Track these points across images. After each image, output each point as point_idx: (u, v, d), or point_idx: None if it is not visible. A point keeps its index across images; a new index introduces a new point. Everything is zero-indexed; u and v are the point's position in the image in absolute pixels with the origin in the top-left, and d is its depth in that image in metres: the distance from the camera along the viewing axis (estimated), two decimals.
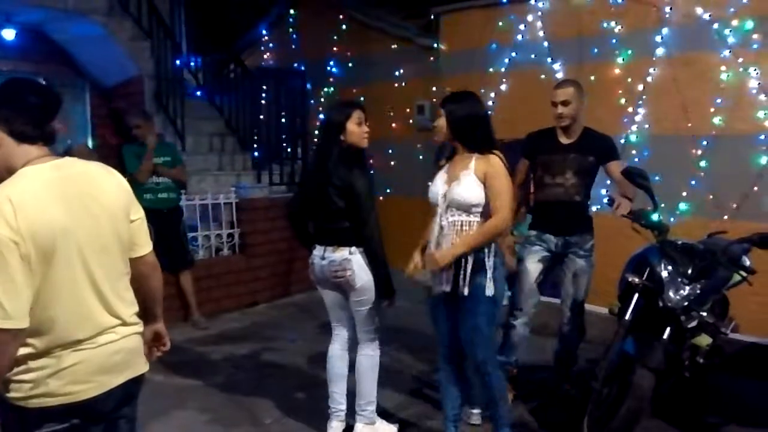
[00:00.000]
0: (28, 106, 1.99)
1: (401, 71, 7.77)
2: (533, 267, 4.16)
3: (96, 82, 7.66)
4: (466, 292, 3.26)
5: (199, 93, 8.07)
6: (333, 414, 3.87)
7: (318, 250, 3.71)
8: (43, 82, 2.18)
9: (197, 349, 5.45)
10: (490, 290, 3.25)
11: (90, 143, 7.57)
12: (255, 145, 7.67)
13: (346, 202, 3.55)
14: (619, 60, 5.85)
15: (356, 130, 3.61)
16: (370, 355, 3.78)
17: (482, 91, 6.41)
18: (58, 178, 1.97)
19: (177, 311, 6.09)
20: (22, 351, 1.89)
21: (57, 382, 1.92)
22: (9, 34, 7.12)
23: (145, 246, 2.26)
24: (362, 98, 7.27)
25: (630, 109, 5.79)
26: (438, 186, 3.43)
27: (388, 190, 7.64)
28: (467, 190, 3.27)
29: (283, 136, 7.89)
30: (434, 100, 7.40)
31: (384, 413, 4.04)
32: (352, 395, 3.86)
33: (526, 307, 4.15)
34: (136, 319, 2.17)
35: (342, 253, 3.60)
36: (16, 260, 1.80)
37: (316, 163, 3.70)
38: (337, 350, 3.90)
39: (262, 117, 7.73)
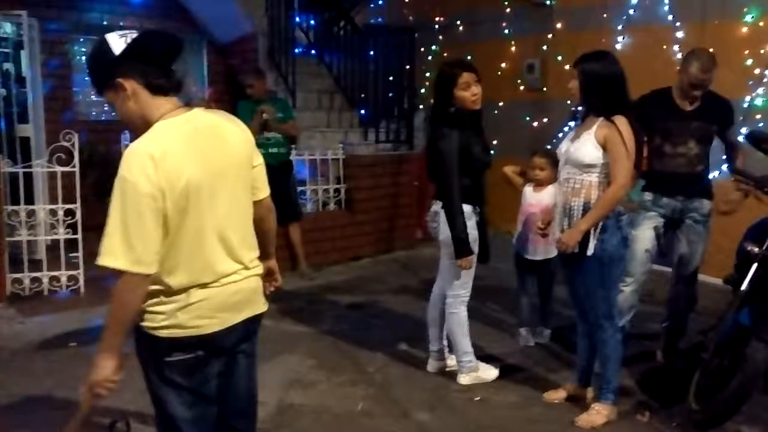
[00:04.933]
0: (159, 57, 2.10)
1: (511, 29, 7.61)
2: (647, 234, 4.03)
3: (213, 39, 7.93)
4: (574, 250, 3.30)
5: (310, 51, 8.21)
6: (430, 354, 4.18)
7: None
8: (168, 32, 2.26)
9: (304, 297, 5.68)
10: (590, 250, 3.26)
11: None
12: (362, 103, 7.76)
13: (436, 161, 3.70)
14: (747, 18, 5.51)
15: (461, 95, 3.65)
16: (454, 313, 3.93)
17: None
18: (191, 131, 2.08)
19: (285, 261, 6.30)
20: (158, 288, 2.06)
21: (185, 315, 2.08)
22: None
23: (263, 190, 2.38)
24: (470, 56, 7.19)
25: (756, 71, 5.47)
26: (563, 143, 3.47)
27: (493, 153, 7.53)
28: (581, 149, 3.29)
29: (390, 95, 7.92)
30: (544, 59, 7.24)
31: (488, 358, 4.25)
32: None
33: (636, 274, 4.04)
34: (256, 263, 2.31)
35: (436, 206, 3.79)
36: (152, 213, 1.95)
37: (429, 121, 3.88)
38: (432, 298, 4.11)
39: (370, 75, 7.79)
